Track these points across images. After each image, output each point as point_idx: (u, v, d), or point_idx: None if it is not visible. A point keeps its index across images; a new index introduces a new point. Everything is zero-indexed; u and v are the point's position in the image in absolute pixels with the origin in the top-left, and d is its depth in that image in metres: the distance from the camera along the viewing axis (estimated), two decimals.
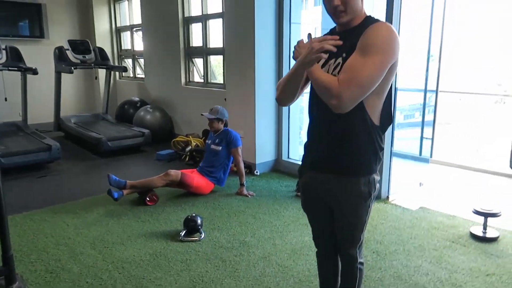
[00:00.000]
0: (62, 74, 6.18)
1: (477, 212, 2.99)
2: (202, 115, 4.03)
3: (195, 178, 3.83)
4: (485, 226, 2.98)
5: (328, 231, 1.81)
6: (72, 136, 6.18)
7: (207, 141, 4.15)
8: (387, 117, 1.60)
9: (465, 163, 4.85)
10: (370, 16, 1.55)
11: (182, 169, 3.91)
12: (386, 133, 3.51)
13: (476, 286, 2.37)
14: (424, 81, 4.27)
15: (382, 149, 1.62)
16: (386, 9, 3.46)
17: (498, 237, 2.94)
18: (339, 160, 1.60)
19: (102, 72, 7.01)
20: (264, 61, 4.38)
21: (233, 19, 4.53)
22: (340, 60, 1.50)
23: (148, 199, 3.65)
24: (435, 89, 4.45)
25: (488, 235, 2.94)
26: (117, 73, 7.58)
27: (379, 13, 4.40)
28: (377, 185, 1.67)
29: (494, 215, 2.94)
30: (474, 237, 2.96)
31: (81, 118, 6.58)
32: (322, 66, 1.56)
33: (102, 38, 7.45)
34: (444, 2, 4.02)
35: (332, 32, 1.63)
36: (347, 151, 1.58)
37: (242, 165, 3.92)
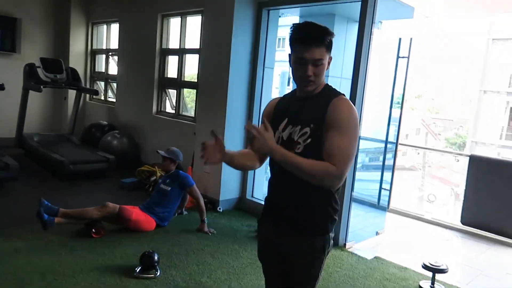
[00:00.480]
0: (30, 91, 6.06)
1: (426, 267, 3.12)
2: (157, 152, 4.05)
3: (134, 212, 3.72)
4: (433, 281, 3.11)
5: (280, 283, 1.86)
6: (33, 155, 6.00)
7: (159, 180, 4.15)
8: None
9: (420, 213, 5.06)
10: (327, 84, 1.69)
11: (140, 200, 3.85)
12: (347, 177, 3.66)
13: None
14: (386, 131, 4.50)
15: (337, 211, 1.71)
16: (354, 64, 3.69)
17: None
18: (295, 219, 1.67)
19: (72, 93, 6.92)
20: (235, 100, 4.50)
21: (209, 57, 4.66)
22: (307, 129, 1.60)
23: (94, 230, 3.51)
24: (395, 141, 4.68)
25: None
26: (87, 95, 7.48)
27: (347, 63, 4.67)
28: (331, 242, 1.75)
29: (441, 271, 3.07)
30: None
31: (44, 137, 6.41)
32: (282, 130, 1.67)
33: (76, 59, 7.39)
34: (407, 60, 4.30)
35: (293, 95, 1.75)
36: (304, 211, 1.66)
37: (202, 202, 3.92)
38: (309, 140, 1.60)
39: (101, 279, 2.84)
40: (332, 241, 1.75)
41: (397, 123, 4.74)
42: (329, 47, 1.61)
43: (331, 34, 1.61)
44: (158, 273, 2.97)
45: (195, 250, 3.49)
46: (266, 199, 1.81)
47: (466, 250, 4.22)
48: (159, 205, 3.87)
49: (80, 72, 6.94)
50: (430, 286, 3.09)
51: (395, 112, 4.57)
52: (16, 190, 4.65)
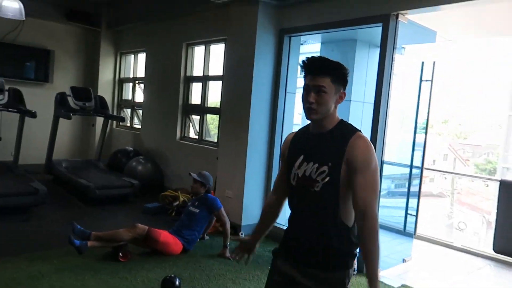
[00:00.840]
0: (61, 119, 6.30)
1: None
2: (190, 174, 4.11)
3: (163, 234, 3.76)
4: None
5: None
6: (61, 181, 6.17)
7: (188, 203, 4.19)
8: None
9: (449, 241, 4.87)
10: (342, 120, 1.71)
11: (163, 224, 3.89)
12: None
13: None
14: (410, 157, 4.42)
15: (357, 245, 1.69)
16: (376, 86, 3.68)
17: None
18: (314, 254, 1.67)
19: (99, 120, 7.16)
20: (258, 125, 4.54)
21: (232, 83, 4.75)
22: (325, 168, 1.63)
23: (121, 254, 3.55)
24: (420, 165, 4.58)
25: None
26: (114, 122, 7.72)
27: (369, 88, 4.66)
28: (351, 277, 1.73)
29: None
30: None
31: (72, 163, 6.60)
32: (298, 167, 1.71)
33: (105, 87, 7.68)
34: (431, 84, 4.26)
35: (307, 130, 1.77)
36: (323, 247, 1.66)
37: (228, 226, 3.92)
38: (327, 179, 1.62)
39: None
40: (352, 275, 1.73)
41: (422, 148, 4.65)
42: (337, 79, 1.66)
43: (340, 67, 1.67)
44: None
45: (216, 275, 3.45)
46: (286, 234, 1.82)
47: (499, 279, 4.01)
48: (187, 228, 3.91)
49: (108, 100, 7.19)
50: None
51: (420, 137, 4.50)
52: (44, 215, 4.78)
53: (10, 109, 5.60)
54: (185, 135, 6.18)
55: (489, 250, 4.43)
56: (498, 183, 4.42)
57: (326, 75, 1.64)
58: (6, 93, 5.57)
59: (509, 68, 19.97)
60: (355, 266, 3.66)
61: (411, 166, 4.38)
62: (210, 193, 4.15)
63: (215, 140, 5.64)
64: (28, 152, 6.49)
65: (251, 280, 3.41)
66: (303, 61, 1.69)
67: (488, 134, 28.56)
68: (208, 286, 3.24)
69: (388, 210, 4.95)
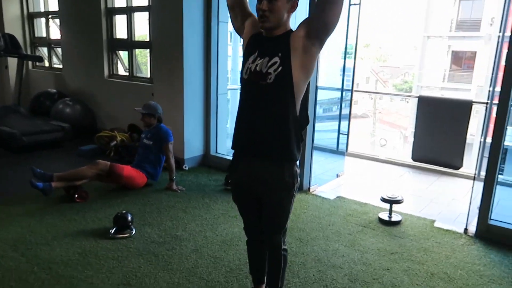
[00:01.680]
0: None
1: (384, 200, 3.41)
2: (135, 109, 4.00)
3: (126, 168, 3.79)
4: (390, 212, 3.41)
5: (256, 220, 2.01)
6: None
7: (141, 135, 4.13)
8: (305, 115, 1.86)
9: (375, 155, 5.40)
10: (292, 29, 1.79)
11: None
12: (308, 127, 3.82)
13: (382, 263, 2.73)
14: (341, 80, 4.67)
15: (303, 140, 1.88)
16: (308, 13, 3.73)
17: (400, 220, 3.38)
18: (266, 143, 1.81)
19: (12, 61, 6.47)
20: (192, 57, 4.44)
21: (161, 14, 4.51)
22: (276, 59, 1.73)
23: (77, 195, 3.54)
24: (350, 88, 4.87)
25: (393, 219, 3.37)
26: (30, 62, 7.03)
27: (298, 15, 4.70)
28: (298, 178, 1.91)
29: (397, 201, 3.38)
30: (381, 221, 3.38)
31: None
32: (252, 61, 1.79)
33: (12, 24, 6.84)
34: (359, 8, 4.39)
35: (259, 34, 1.84)
36: (275, 136, 1.80)
37: (172, 161, 3.96)
38: (280, 69, 1.72)
39: (77, 244, 2.87)
40: (299, 177, 1.90)
41: (351, 73, 4.91)
42: None
43: None
44: (133, 232, 3.04)
45: (166, 207, 3.56)
46: (235, 132, 1.91)
47: (417, 183, 4.60)
48: (146, 161, 3.93)
49: (19, 38, 6.45)
50: (388, 216, 3.39)
51: (348, 62, 4.72)
52: None
53: None
54: (114, 72, 5.85)
55: (408, 159, 5.01)
56: (417, 99, 4.88)
57: None
58: None
59: None
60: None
61: (342, 89, 4.64)
62: (162, 123, 4.07)
63: (148, 75, 5.43)
64: None
65: (201, 208, 3.57)
66: None
67: (405, 56, 30.50)
68: (160, 218, 3.34)
69: (322, 133, 5.29)
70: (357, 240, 3.07)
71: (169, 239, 2.99)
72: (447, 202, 3.98)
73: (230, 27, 4.74)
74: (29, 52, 7.05)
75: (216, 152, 4.83)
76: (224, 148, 4.90)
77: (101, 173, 3.64)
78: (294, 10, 1.77)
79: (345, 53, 4.56)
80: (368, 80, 27.80)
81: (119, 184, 3.83)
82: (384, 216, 3.41)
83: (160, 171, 4.07)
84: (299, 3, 1.77)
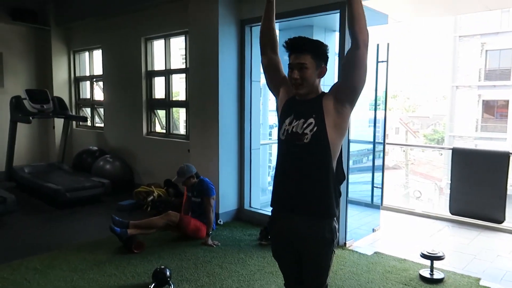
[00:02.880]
0: (18, 123, 6.08)
1: (424, 256, 3.31)
2: (172, 181, 4.22)
3: (192, 220, 4.06)
4: (431, 269, 3.29)
5: (297, 276, 2.02)
6: (26, 187, 5.99)
7: (188, 193, 4.31)
8: (341, 170, 1.95)
9: (411, 208, 5.29)
10: (324, 92, 1.94)
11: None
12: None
13: None
14: (372, 132, 4.74)
15: (341, 194, 1.94)
16: (338, 71, 3.90)
17: (443, 278, 3.25)
18: (305, 200, 1.88)
19: (58, 121, 6.95)
20: (226, 115, 4.66)
21: (198, 75, 4.82)
22: (311, 120, 1.86)
23: (133, 246, 3.72)
24: (382, 141, 4.91)
25: (435, 276, 3.25)
26: (74, 122, 7.52)
27: (327, 72, 4.90)
28: (338, 233, 1.96)
29: (439, 258, 3.27)
30: (423, 279, 3.26)
31: (35, 167, 6.41)
32: (288, 124, 1.92)
33: (60, 87, 7.42)
34: (387, 64, 4.54)
35: (293, 98, 1.98)
36: (314, 193, 1.87)
37: (211, 215, 4.05)
38: (315, 129, 1.84)
39: None
40: (338, 232, 1.96)
41: (382, 124, 4.98)
42: (317, 55, 1.87)
43: (319, 44, 1.89)
44: None
45: (203, 263, 3.59)
46: (275, 190, 2.00)
47: (458, 238, 4.44)
48: (201, 216, 4.11)
49: (65, 100, 6.98)
50: (430, 273, 3.28)
51: (378, 114, 4.81)
52: (16, 222, 4.67)
53: None
54: (152, 130, 6.17)
55: (446, 213, 4.87)
56: (451, 151, 4.84)
57: (307, 53, 1.85)
58: None
59: (449, 44, 21.18)
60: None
61: (374, 142, 4.69)
62: (201, 177, 4.21)
63: (183, 132, 5.69)
64: None
65: (237, 263, 3.57)
66: (286, 42, 1.89)
67: (434, 106, 30.32)
68: (197, 273, 3.37)
69: (355, 185, 5.27)
70: None
71: None
72: (491, 258, 3.81)
73: (261, 84, 4.99)
74: (74, 113, 7.55)
75: (250, 206, 4.88)
76: (258, 202, 4.95)
77: (171, 223, 3.92)
78: (323, 76, 1.92)
79: (375, 104, 4.67)
80: (398, 131, 27.61)
81: (185, 234, 4.06)
82: (426, 273, 3.30)
83: (214, 220, 4.23)
84: (327, 68, 1.91)
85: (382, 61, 4.39)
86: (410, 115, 31.00)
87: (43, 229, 4.53)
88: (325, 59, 1.91)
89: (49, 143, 7.58)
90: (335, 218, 1.93)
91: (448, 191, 4.92)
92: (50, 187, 5.33)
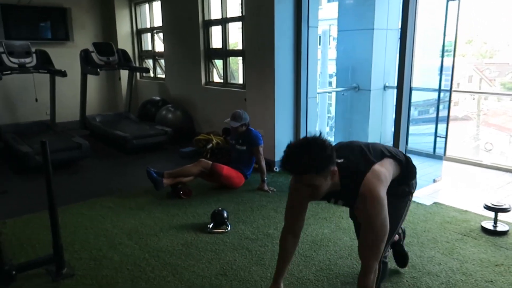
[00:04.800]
0: (88, 75, 6.48)
1: (488, 207, 3.16)
2: (225, 122, 4.25)
3: (225, 168, 4.08)
4: (495, 221, 3.15)
5: None
6: (97, 134, 6.49)
7: (231, 141, 4.39)
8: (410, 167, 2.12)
9: (477, 159, 4.99)
10: (342, 176, 1.83)
11: None
12: (401, 131, 3.71)
13: (485, 275, 2.55)
14: (439, 80, 4.43)
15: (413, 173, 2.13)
16: (402, 11, 3.63)
17: (508, 231, 3.10)
18: None
19: (124, 73, 7.30)
20: (283, 63, 4.59)
21: (253, 23, 4.74)
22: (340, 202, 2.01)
23: (182, 192, 3.92)
24: (448, 88, 4.59)
25: (498, 229, 3.11)
26: (138, 73, 7.86)
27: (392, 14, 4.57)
28: (415, 185, 2.14)
29: (504, 210, 3.10)
30: (485, 230, 3.14)
31: (105, 117, 6.88)
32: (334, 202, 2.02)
33: (124, 40, 7.73)
34: (458, 3, 4.14)
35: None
36: None
37: (263, 163, 4.14)
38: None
39: (180, 236, 3.16)
40: (416, 184, 2.10)
41: (450, 72, 4.63)
42: (320, 169, 1.71)
43: (317, 159, 1.68)
44: (229, 228, 3.25)
45: (258, 207, 3.73)
46: None
47: None
48: (242, 164, 4.21)
49: (129, 52, 7.26)
50: (493, 225, 3.14)
51: (446, 61, 4.46)
52: (90, 167, 5.13)
53: (40, 71, 5.79)
54: (210, 80, 6.28)
55: None
56: None
57: (308, 173, 1.70)
58: (34, 55, 5.74)
59: None
60: None
61: (439, 90, 4.41)
62: (250, 127, 4.27)
63: (240, 82, 5.73)
64: (60, 111, 6.76)
65: None
66: (282, 164, 1.78)
67: None
68: (253, 216, 3.52)
69: (417, 136, 5.06)
70: (456, 248, 2.90)
71: (261, 236, 3.15)
72: None
73: (319, 31, 4.80)
74: (137, 65, 7.87)
75: None
76: None
77: (204, 171, 4.00)
78: (336, 174, 1.80)
79: (443, 51, 4.32)
80: (471, 79, 25.49)
81: (219, 183, 4.12)
82: (488, 225, 3.16)
83: (250, 173, 4.29)
84: None
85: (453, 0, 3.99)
86: (486, 61, 28.34)
87: (114, 173, 4.94)
88: (332, 163, 1.73)
89: (116, 94, 8.05)
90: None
91: None
92: (119, 135, 5.73)
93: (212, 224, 3.27)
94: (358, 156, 1.90)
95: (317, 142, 1.71)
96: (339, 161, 1.81)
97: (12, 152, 5.02)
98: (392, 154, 1.99)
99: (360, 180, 1.77)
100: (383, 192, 1.76)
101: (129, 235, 3.20)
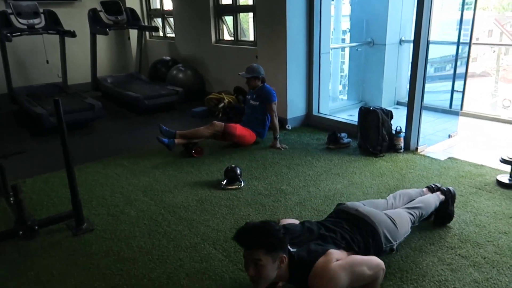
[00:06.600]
0: (97, 35, 6.40)
1: (504, 161, 3.11)
2: (239, 74, 4.20)
3: (238, 128, 4.09)
4: (511, 174, 3.11)
5: None
6: (109, 95, 6.50)
7: (247, 96, 4.36)
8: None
9: (495, 114, 4.87)
10: (291, 261, 1.77)
11: None
12: (417, 86, 3.61)
13: (499, 227, 2.55)
14: (457, 33, 4.26)
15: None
16: None
17: None
18: None
19: (133, 32, 7.18)
20: (294, 18, 4.44)
21: None
22: None
23: (194, 151, 3.95)
24: (468, 41, 4.42)
25: None
26: (147, 32, 7.72)
27: None
28: None
29: None
30: (500, 184, 3.11)
31: (116, 78, 6.86)
32: None
33: None
34: None
35: None
36: None
37: (276, 120, 4.12)
38: None
39: (194, 192, 3.22)
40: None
41: (469, 25, 4.43)
42: (271, 247, 1.67)
43: (270, 235, 1.68)
44: (242, 184, 3.29)
45: (271, 164, 3.75)
46: None
47: None
48: (255, 121, 4.20)
49: (137, 11, 7.10)
50: (509, 179, 3.10)
51: (466, 14, 4.26)
52: (103, 127, 5.18)
53: (50, 31, 5.73)
54: (220, 38, 6.15)
55: None
56: None
57: (259, 248, 1.65)
58: (42, 15, 5.66)
59: None
60: (402, 144, 3.82)
61: (458, 44, 4.24)
62: (265, 83, 4.23)
63: (251, 39, 5.60)
64: (72, 73, 6.74)
65: (304, 165, 3.68)
66: (236, 235, 1.72)
67: None
68: (266, 173, 3.54)
69: (434, 94, 4.93)
70: (470, 202, 2.89)
71: (274, 192, 3.18)
72: None
73: None
74: (146, 24, 7.73)
75: (319, 112, 4.84)
76: (326, 108, 4.89)
77: (216, 133, 4.02)
78: (284, 263, 1.73)
79: (463, 3, 4.12)
80: (491, 34, 24.51)
81: (232, 142, 4.13)
82: (504, 178, 3.13)
83: (267, 129, 4.28)
84: None
85: None
86: (508, 14, 27.08)
87: (127, 133, 4.98)
88: (283, 247, 1.72)
89: (126, 54, 7.96)
90: None
91: None
92: (131, 95, 5.72)
93: (225, 180, 3.31)
94: (313, 245, 1.85)
95: (274, 225, 1.76)
96: (291, 249, 1.81)
97: (27, 114, 5.08)
98: (348, 244, 1.94)
99: (308, 272, 1.74)
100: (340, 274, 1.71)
101: (144, 192, 3.26)
